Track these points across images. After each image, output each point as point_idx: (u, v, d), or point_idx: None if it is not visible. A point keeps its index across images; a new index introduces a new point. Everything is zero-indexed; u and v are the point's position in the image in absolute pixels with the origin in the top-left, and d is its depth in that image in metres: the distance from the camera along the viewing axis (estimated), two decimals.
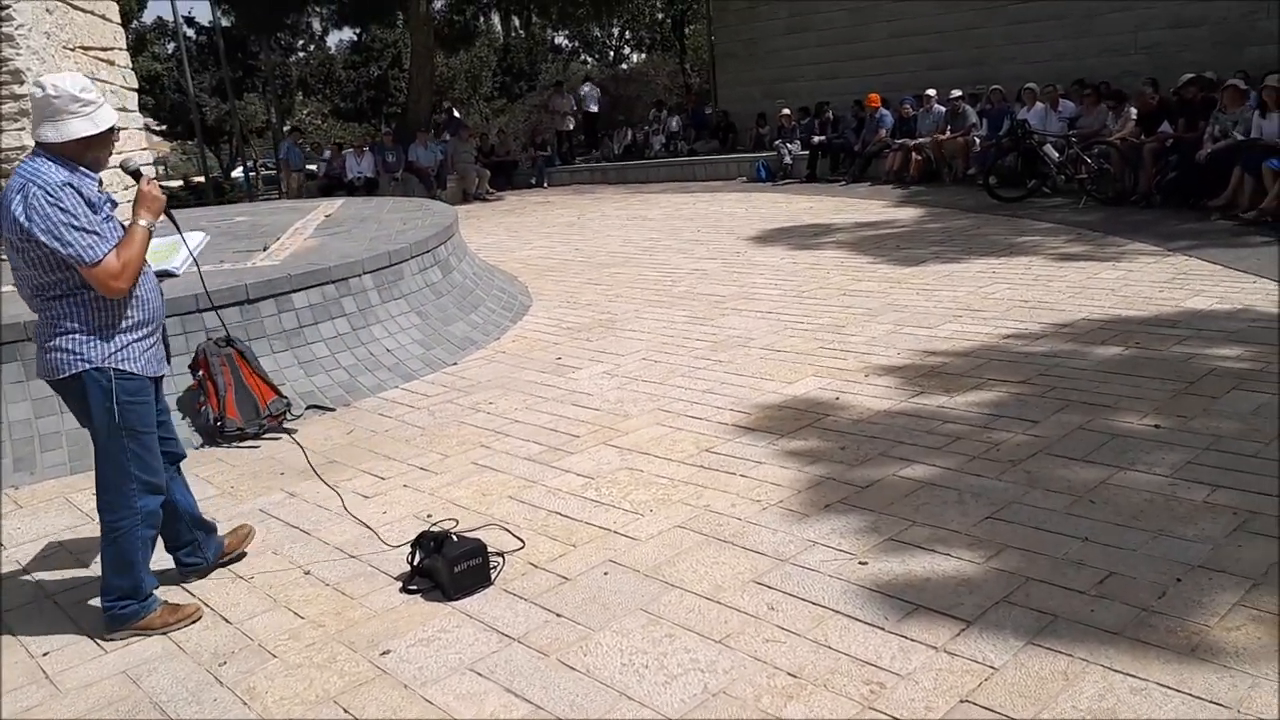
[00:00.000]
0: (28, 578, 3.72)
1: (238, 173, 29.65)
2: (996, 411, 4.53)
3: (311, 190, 17.79)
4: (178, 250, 3.65)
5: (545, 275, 9.28)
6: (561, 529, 3.72)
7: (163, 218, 3.24)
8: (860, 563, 3.23)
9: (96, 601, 3.39)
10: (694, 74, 27.01)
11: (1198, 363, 4.97)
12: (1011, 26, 14.71)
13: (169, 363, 3.39)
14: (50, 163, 2.98)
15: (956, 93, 13.52)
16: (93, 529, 4.10)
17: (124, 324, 3.11)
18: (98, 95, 3.06)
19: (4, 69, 7.43)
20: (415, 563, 3.40)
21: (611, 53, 35.52)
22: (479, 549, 3.33)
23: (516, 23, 32.89)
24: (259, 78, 29.69)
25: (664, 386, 5.41)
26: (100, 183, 3.14)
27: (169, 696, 2.84)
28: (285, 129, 23.52)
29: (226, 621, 3.25)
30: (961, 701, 2.46)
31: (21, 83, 7.46)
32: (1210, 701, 2.37)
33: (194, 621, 3.26)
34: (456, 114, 22.66)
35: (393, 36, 30.77)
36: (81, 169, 3.04)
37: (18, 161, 3.09)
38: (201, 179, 25.16)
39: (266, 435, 5.11)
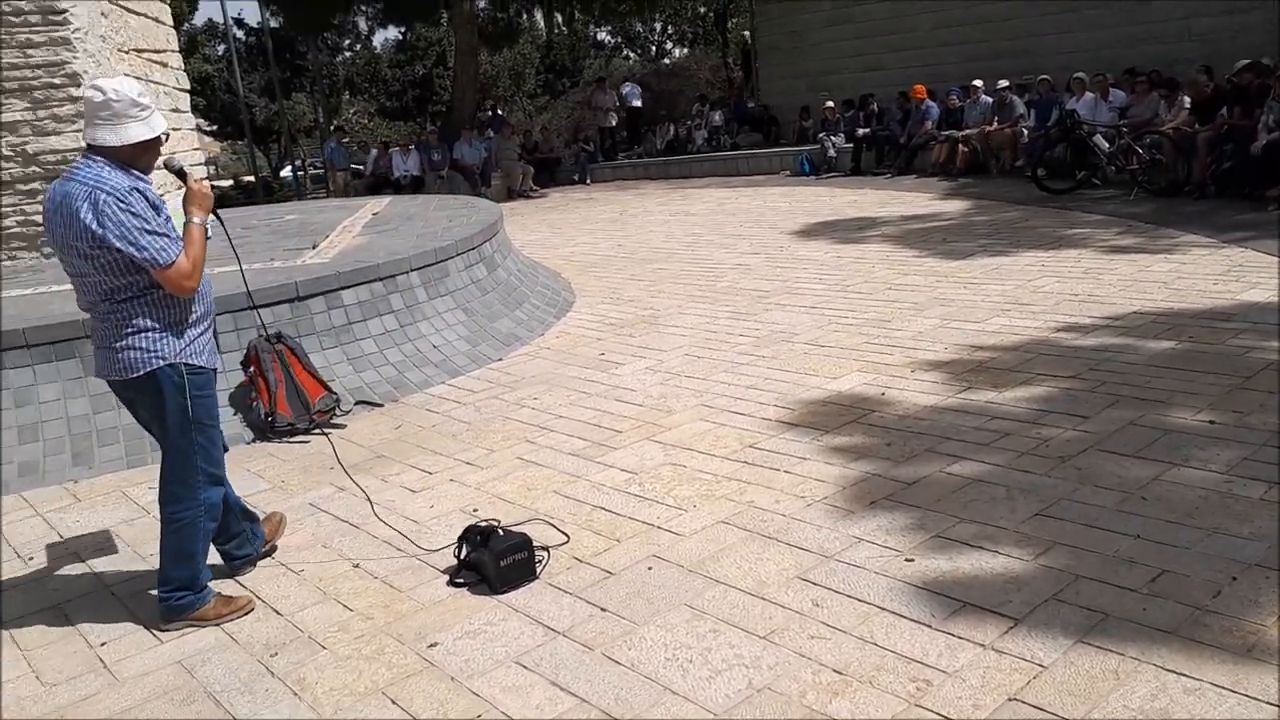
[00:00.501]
0: (86, 569, 3.81)
1: (286, 172, 30.11)
2: (1045, 407, 4.47)
3: (358, 189, 18.00)
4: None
5: (588, 271, 9.31)
6: (605, 524, 3.73)
7: (211, 216, 3.29)
8: (906, 560, 3.20)
9: (154, 592, 3.47)
10: (736, 68, 26.91)
11: (1254, 357, 4.86)
12: (1059, 15, 14.47)
13: (219, 353, 3.47)
14: (109, 167, 3.01)
15: (1004, 83, 13.33)
16: (148, 522, 4.20)
17: (190, 319, 3.18)
18: (151, 100, 3.11)
19: (61, 71, 7.62)
20: (462, 556, 3.44)
21: (654, 48, 35.49)
22: (525, 543, 3.36)
23: (559, 19, 32.97)
24: (307, 77, 30.10)
25: (707, 382, 5.41)
26: (177, 169, 3.23)
27: (222, 686, 2.90)
28: (330, 128, 23.74)
29: (277, 614, 3.31)
30: (1010, 700, 2.44)
31: (78, 85, 7.65)
32: (1267, 703, 2.32)
33: (246, 613, 3.33)
34: (500, 112, 22.81)
35: (437, 35, 31.03)
36: (136, 172, 3.08)
37: (70, 165, 3.12)
38: (251, 178, 25.58)
39: (316, 431, 5.19)
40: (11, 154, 7.65)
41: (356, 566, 3.60)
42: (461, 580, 3.38)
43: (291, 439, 5.14)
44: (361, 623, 3.19)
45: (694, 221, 12.09)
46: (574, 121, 22.38)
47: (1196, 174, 10.01)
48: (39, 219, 7.82)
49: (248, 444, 5.13)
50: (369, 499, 4.06)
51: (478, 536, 3.39)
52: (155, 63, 9.30)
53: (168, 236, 3.03)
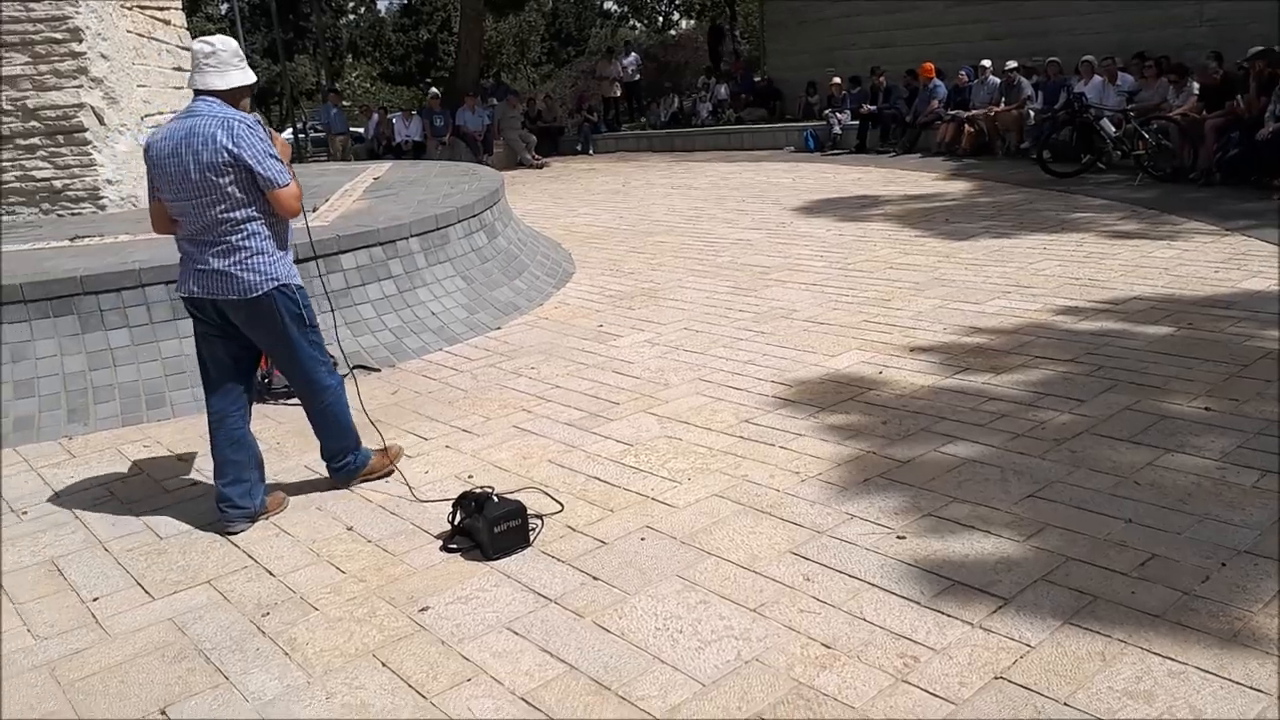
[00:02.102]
0: (79, 525, 3.82)
1: (287, 134, 29.90)
2: (1042, 390, 4.47)
3: (360, 153, 17.89)
4: None
5: (589, 242, 9.28)
6: (600, 494, 3.74)
7: None
8: (898, 537, 3.21)
9: (144, 546, 3.49)
10: (743, 41, 26.71)
11: (1252, 345, 4.86)
12: None
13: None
14: (227, 105, 3.45)
15: (1012, 64, 13.24)
16: (142, 480, 4.22)
17: (287, 244, 3.64)
18: (240, 53, 3.56)
19: (63, 26, 7.55)
20: (456, 522, 3.45)
21: (660, 18, 35.19)
22: (519, 510, 3.36)
23: None
24: (310, 39, 29.87)
25: (705, 356, 5.40)
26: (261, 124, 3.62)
27: (213, 644, 2.91)
28: (332, 89, 23.46)
29: (270, 574, 3.33)
30: (996, 678, 2.45)
31: (80, 40, 7.58)
32: (1249, 688, 2.33)
33: (394, 464, 3.98)
34: (504, 80, 22.64)
35: (443, 0, 30.76)
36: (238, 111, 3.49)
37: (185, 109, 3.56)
38: None
39: None
40: (11, 109, 7.59)
41: (350, 529, 3.61)
42: (455, 546, 3.39)
43: (288, 401, 5.13)
44: (354, 585, 3.20)
45: (696, 195, 12.04)
46: (578, 91, 22.20)
47: (1202, 160, 9.97)
48: (38, 174, 7.79)
49: None
50: (406, 483, 4.06)
51: (472, 503, 3.40)
52: (158, 20, 9.21)
53: (282, 162, 3.48)
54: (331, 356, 3.87)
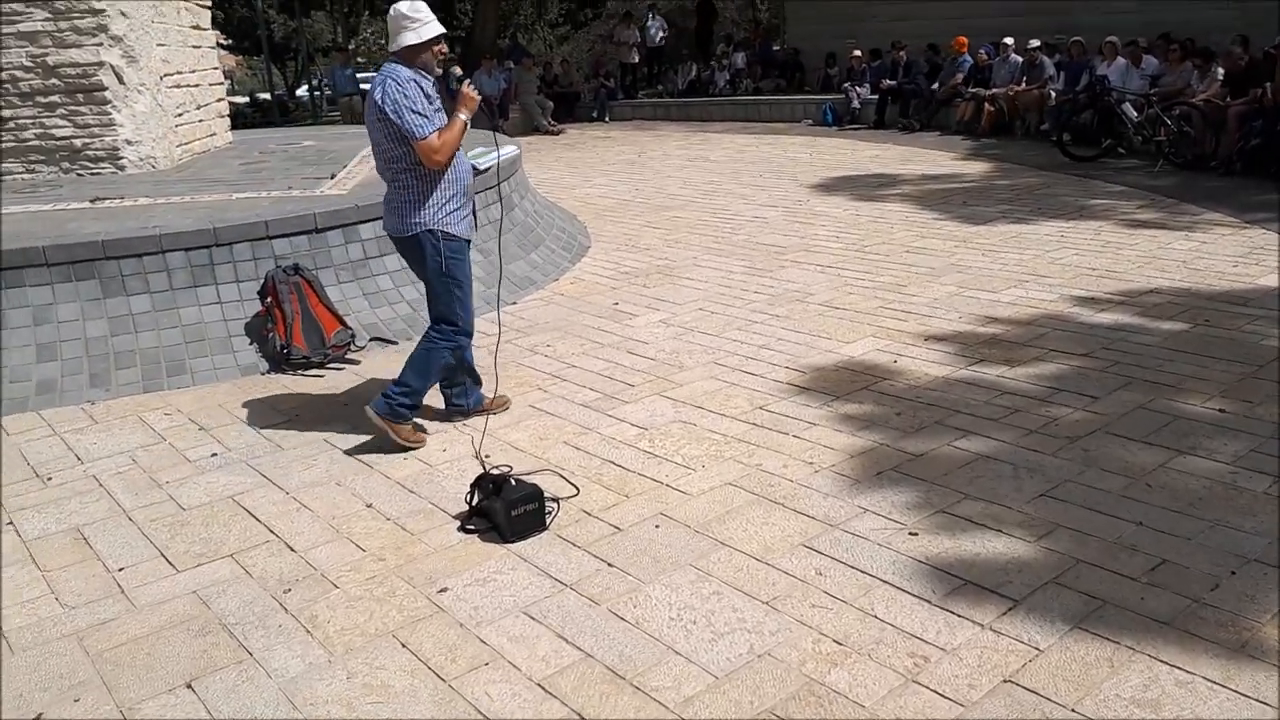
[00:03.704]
0: (104, 494, 3.88)
1: (303, 91, 29.74)
2: (1056, 385, 4.49)
3: None
4: (491, 152, 4.45)
5: (604, 215, 9.27)
6: (615, 479, 3.79)
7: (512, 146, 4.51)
8: (910, 533, 3.26)
9: (167, 516, 3.55)
10: (764, 8, 26.42)
11: (1267, 345, 4.87)
12: None
13: (475, 229, 4.27)
14: (399, 65, 3.88)
15: (1034, 43, 13.09)
16: (165, 449, 4.29)
17: (445, 195, 3.99)
18: (425, 15, 3.90)
19: None
20: (474, 503, 3.50)
21: None
22: (536, 494, 3.41)
23: None
24: None
25: (720, 339, 5.43)
26: (454, 78, 4.08)
27: (237, 619, 2.98)
28: (342, 48, 23.16)
29: (291, 549, 3.39)
30: (1005, 681, 2.50)
31: None
32: (1256, 700, 2.38)
33: (418, 446, 4.12)
34: (521, 40, 22.45)
35: None
36: (417, 67, 3.88)
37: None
38: (267, 96, 25.29)
39: (331, 365, 5.23)
40: (32, 65, 7.58)
41: (369, 506, 3.67)
42: (472, 527, 3.44)
43: (306, 372, 5.18)
44: (373, 564, 3.26)
45: (713, 168, 12.00)
46: (595, 56, 22.02)
47: (1224, 149, 9.90)
48: (58, 132, 7.80)
49: (263, 374, 5.18)
50: (479, 456, 4.11)
51: (490, 485, 3.45)
52: None
53: (425, 117, 3.82)
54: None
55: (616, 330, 5.69)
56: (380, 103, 3.85)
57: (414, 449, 4.11)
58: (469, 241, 4.16)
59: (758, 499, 3.56)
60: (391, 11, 3.93)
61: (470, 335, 4.20)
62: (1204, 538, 3.14)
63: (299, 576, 3.21)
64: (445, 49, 3.99)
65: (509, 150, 4.60)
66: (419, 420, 4.26)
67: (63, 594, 3.17)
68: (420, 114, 3.82)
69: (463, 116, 3.95)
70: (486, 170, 4.39)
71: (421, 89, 3.86)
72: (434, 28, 3.91)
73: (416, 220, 3.98)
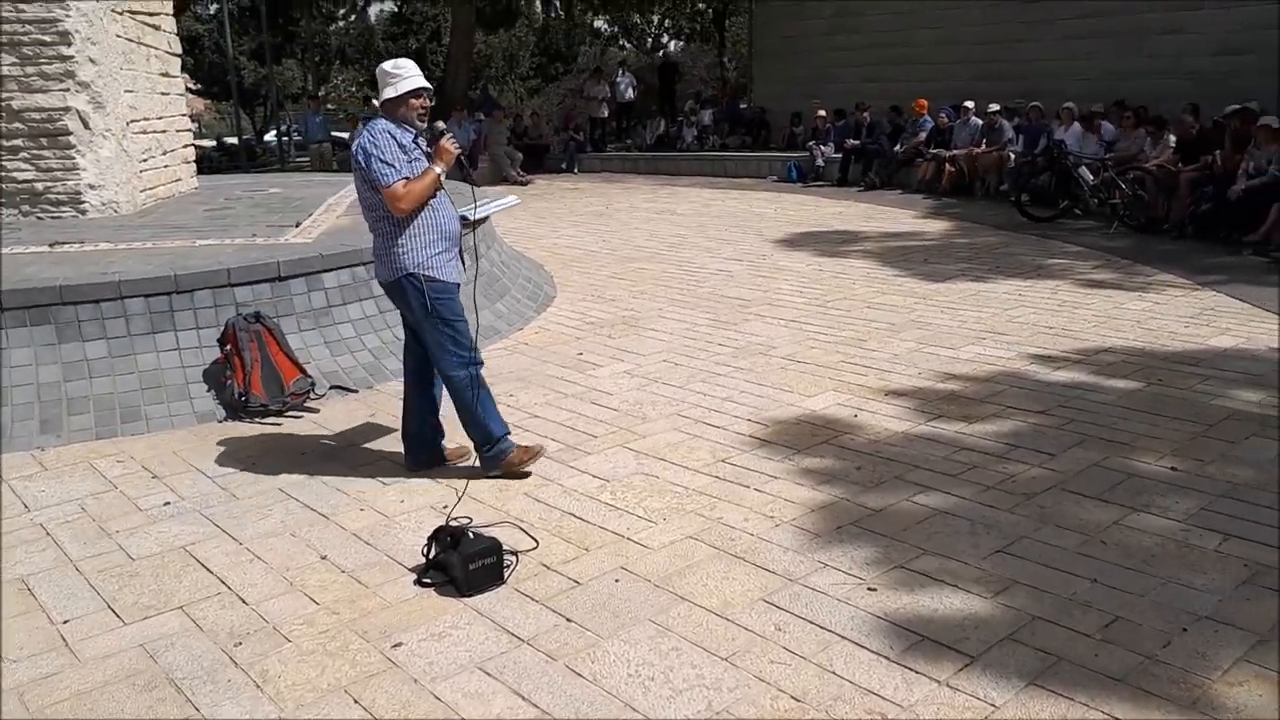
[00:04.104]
0: (50, 543, 3.79)
1: (270, 137, 29.77)
2: (1014, 442, 4.55)
3: (344, 161, 17.83)
4: (492, 203, 4.66)
5: (571, 266, 9.32)
6: (576, 531, 3.77)
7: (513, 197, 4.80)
8: (869, 589, 3.26)
9: (116, 566, 3.48)
10: (731, 68, 26.93)
11: (1219, 405, 4.97)
12: (1057, 42, 14.61)
13: (465, 274, 4.33)
14: (379, 118, 4.08)
15: (994, 107, 13.44)
16: (115, 496, 4.22)
17: (426, 240, 4.08)
18: (406, 71, 4.03)
19: (53, 29, 7.52)
20: (430, 555, 3.46)
21: (650, 40, 35.40)
22: (494, 548, 3.38)
23: (557, 4, 32.79)
24: (298, 44, 29.79)
25: (683, 391, 5.45)
26: (437, 133, 4.13)
27: (185, 674, 2.91)
28: (313, 95, 23.25)
29: (243, 601, 3.32)
30: None
31: (69, 44, 7.56)
32: None
33: (536, 458, 4.30)
34: (491, 92, 22.68)
35: (433, 10, 30.80)
36: (398, 121, 4.03)
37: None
38: (235, 140, 25.27)
39: (289, 413, 5.18)
40: None
41: (324, 558, 3.61)
42: (429, 580, 3.40)
43: (264, 420, 5.13)
44: (327, 617, 3.21)
45: (679, 221, 12.12)
46: (565, 109, 22.28)
47: (1176, 213, 10.17)
48: (19, 175, 7.73)
49: (220, 422, 5.12)
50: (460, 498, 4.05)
51: (448, 537, 3.41)
52: (148, 25, 9.17)
53: (391, 165, 3.93)
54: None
55: (580, 380, 5.70)
56: (355, 153, 4.01)
57: (534, 461, 4.31)
58: (458, 285, 4.22)
59: (719, 553, 3.55)
60: (380, 68, 4.11)
61: (476, 363, 4.22)
62: (1156, 594, 3.17)
63: (250, 630, 3.15)
64: (427, 102, 4.09)
65: (509, 200, 4.80)
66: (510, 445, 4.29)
67: (5, 647, 3.08)
68: (387, 163, 3.92)
69: (436, 169, 4.05)
70: (482, 220, 4.49)
71: (395, 139, 3.98)
72: (410, 82, 4.01)
73: (398, 265, 4.07)
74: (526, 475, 4.27)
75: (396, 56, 4.40)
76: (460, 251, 4.26)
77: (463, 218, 4.32)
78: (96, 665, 2.97)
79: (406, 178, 3.95)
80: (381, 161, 3.92)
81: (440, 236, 4.13)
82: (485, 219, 4.48)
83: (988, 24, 15.41)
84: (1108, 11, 13.97)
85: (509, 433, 4.31)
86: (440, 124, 4.25)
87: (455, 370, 4.17)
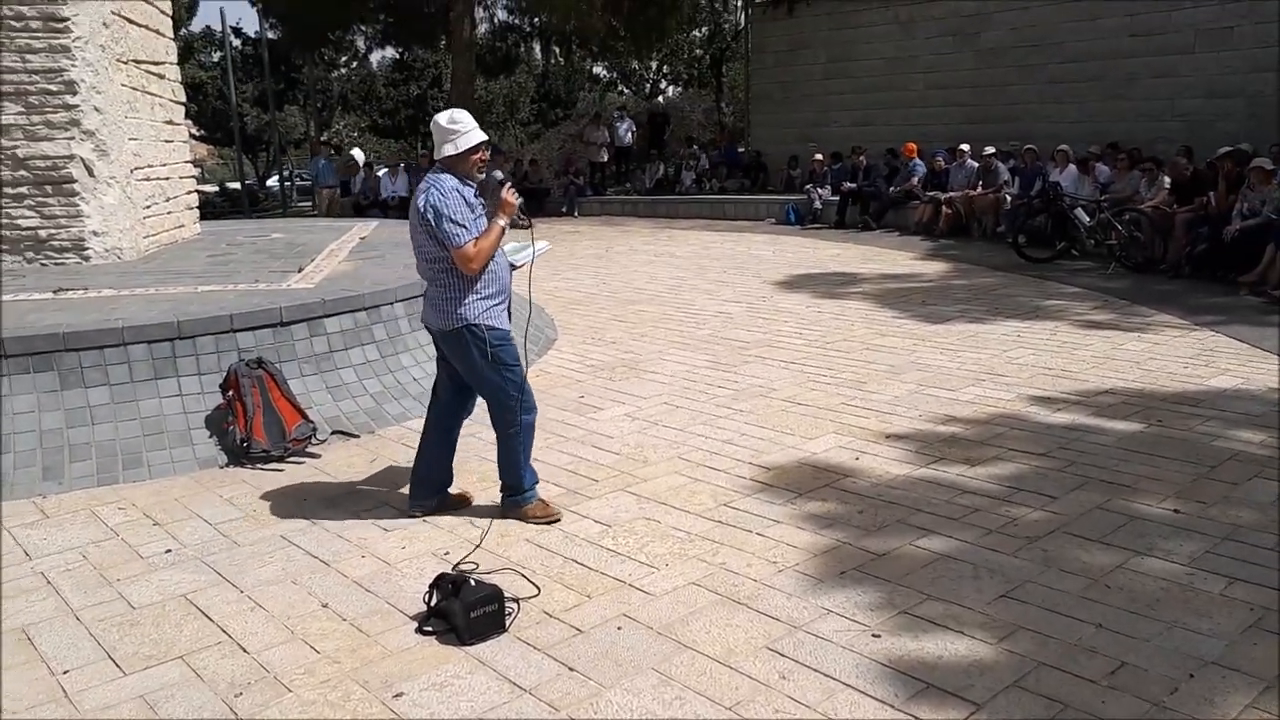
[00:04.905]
0: (51, 592, 3.78)
1: (273, 182, 30.02)
2: (1015, 484, 4.54)
3: (346, 207, 17.96)
4: (526, 249, 4.60)
5: (571, 308, 9.36)
6: (577, 578, 3.75)
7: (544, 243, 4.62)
8: (873, 635, 3.24)
9: (117, 616, 3.46)
10: (729, 112, 27.23)
11: (1220, 446, 4.97)
12: (1049, 85, 14.82)
13: (510, 321, 4.34)
14: (444, 173, 4.04)
15: (989, 150, 13.59)
16: (117, 544, 4.20)
17: (485, 292, 4.12)
18: (464, 124, 4.02)
19: (59, 78, 7.62)
20: (432, 603, 3.44)
21: (648, 86, 35.82)
22: (496, 595, 3.37)
23: (557, 50, 33.23)
24: (301, 90, 30.11)
25: (684, 434, 5.45)
26: (496, 182, 4.14)
27: None
28: (319, 141, 23.47)
29: (244, 650, 3.30)
30: None
31: (75, 93, 7.65)
32: None
33: (553, 520, 4.25)
34: (494, 141, 22.90)
35: (435, 57, 31.18)
36: (461, 176, 4.04)
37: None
38: (237, 185, 25.48)
39: (291, 459, 5.18)
40: (2, 157, 7.61)
41: (325, 606, 3.60)
42: (430, 629, 3.38)
43: (265, 466, 5.12)
44: (328, 666, 3.19)
45: (679, 263, 12.19)
46: (565, 153, 22.50)
47: (1172, 253, 10.25)
48: (24, 222, 7.79)
49: (221, 468, 5.11)
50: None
51: (449, 585, 3.40)
52: (153, 74, 9.30)
53: (463, 227, 3.96)
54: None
55: (581, 424, 5.70)
56: (422, 210, 3.98)
57: (548, 520, 4.27)
58: (508, 331, 4.25)
59: (721, 599, 3.54)
60: (436, 122, 4.07)
61: (533, 409, 4.30)
62: (1162, 640, 3.16)
63: (251, 680, 3.13)
64: (486, 155, 4.12)
65: (542, 246, 4.75)
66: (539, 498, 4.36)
67: (5, 698, 3.05)
68: (458, 223, 3.94)
69: (501, 222, 4.09)
70: (521, 266, 4.50)
71: (463, 197, 3.99)
72: (471, 137, 4.02)
73: (458, 314, 4.08)
74: (554, 521, 4.29)
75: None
76: (509, 301, 4.30)
77: (511, 265, 4.37)
78: (96, 717, 2.94)
79: (475, 237, 3.98)
80: (453, 222, 3.93)
81: (498, 289, 4.18)
82: (522, 265, 4.49)
83: (979, 68, 15.63)
84: (1097, 54, 14.17)
85: (538, 482, 4.39)
86: (498, 173, 4.24)
87: (517, 415, 4.20)
